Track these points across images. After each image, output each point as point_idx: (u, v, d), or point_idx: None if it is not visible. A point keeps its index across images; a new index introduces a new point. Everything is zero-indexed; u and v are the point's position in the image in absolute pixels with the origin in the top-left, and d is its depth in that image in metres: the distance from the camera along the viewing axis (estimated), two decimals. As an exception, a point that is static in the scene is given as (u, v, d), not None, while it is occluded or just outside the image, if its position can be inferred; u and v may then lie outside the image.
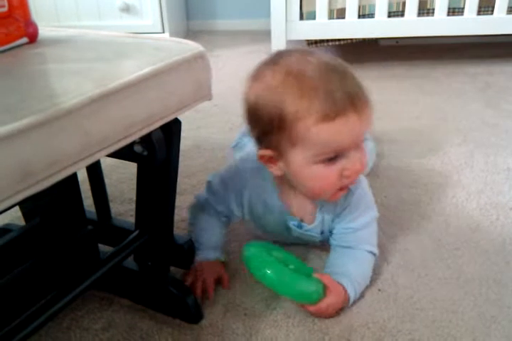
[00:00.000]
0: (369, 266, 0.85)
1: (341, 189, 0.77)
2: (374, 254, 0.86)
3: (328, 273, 0.81)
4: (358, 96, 0.69)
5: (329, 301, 0.76)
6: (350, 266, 0.83)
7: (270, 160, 0.77)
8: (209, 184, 0.91)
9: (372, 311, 0.80)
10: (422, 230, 1.00)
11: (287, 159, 0.74)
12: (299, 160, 0.73)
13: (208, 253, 0.87)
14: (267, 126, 0.72)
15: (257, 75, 0.75)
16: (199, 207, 0.92)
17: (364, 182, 0.87)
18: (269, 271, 0.75)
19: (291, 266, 0.78)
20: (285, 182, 0.81)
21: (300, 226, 0.87)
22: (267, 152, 0.75)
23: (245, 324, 0.78)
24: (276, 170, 0.78)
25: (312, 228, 0.87)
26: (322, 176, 0.74)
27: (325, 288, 0.77)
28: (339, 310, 0.79)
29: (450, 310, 0.80)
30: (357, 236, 0.86)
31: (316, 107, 0.67)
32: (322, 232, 0.88)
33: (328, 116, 0.67)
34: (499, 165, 1.24)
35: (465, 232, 0.99)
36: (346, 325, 0.77)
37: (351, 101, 0.68)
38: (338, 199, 0.81)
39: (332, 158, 0.72)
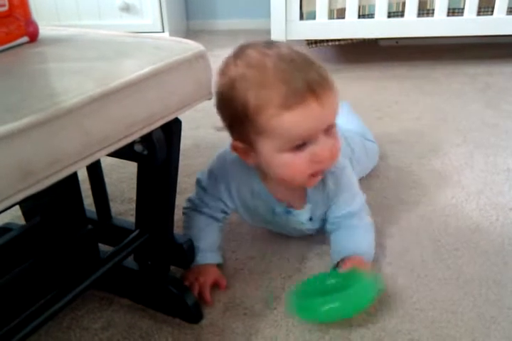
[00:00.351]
0: (372, 234, 0.90)
1: (314, 175, 0.78)
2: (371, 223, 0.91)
3: (346, 256, 0.83)
4: (319, 83, 0.70)
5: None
6: (360, 243, 0.87)
7: (242, 150, 0.79)
8: (198, 181, 0.91)
9: (371, 311, 0.80)
10: (422, 231, 1.00)
11: (256, 149, 0.76)
12: (267, 149, 0.75)
13: (205, 256, 0.86)
14: (234, 118, 0.75)
15: (222, 69, 0.77)
16: (193, 209, 0.91)
17: (348, 168, 0.88)
18: (326, 308, 0.74)
19: (331, 281, 0.80)
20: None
21: (287, 212, 0.88)
22: (238, 143, 0.78)
23: (245, 323, 0.78)
24: (249, 160, 0.80)
25: (300, 213, 0.88)
26: (291, 164, 0.75)
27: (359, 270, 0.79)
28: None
29: (450, 311, 0.80)
30: (355, 217, 0.88)
31: (275, 97, 0.69)
32: (311, 219, 0.89)
33: (288, 105, 0.69)
34: (499, 165, 1.24)
35: (465, 233, 0.99)
36: (346, 324, 0.77)
37: (310, 88, 0.69)
38: (313, 185, 0.82)
39: (300, 145, 0.73)
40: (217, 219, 0.91)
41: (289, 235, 0.96)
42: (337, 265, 0.83)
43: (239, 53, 0.76)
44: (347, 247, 0.85)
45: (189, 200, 0.93)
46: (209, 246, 0.87)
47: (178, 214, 0.98)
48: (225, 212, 0.92)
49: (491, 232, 0.99)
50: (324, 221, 0.91)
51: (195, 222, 0.90)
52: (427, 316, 0.79)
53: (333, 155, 0.77)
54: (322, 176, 0.81)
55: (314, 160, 0.75)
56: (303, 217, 0.88)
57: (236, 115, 0.74)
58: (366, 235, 0.89)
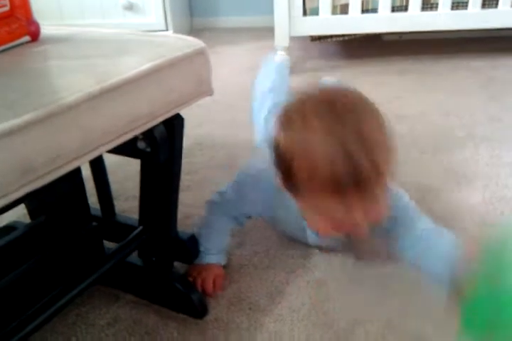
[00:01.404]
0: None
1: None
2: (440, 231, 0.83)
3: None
4: (368, 176, 0.64)
5: None
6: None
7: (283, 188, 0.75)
8: (222, 193, 0.90)
9: (377, 305, 0.80)
10: (427, 224, 0.99)
11: (293, 196, 0.74)
12: (299, 204, 0.74)
13: (210, 257, 0.87)
14: (280, 167, 0.71)
15: (284, 120, 0.70)
16: (216, 206, 0.90)
17: (402, 201, 0.84)
18: None
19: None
20: None
21: (317, 234, 0.87)
22: (280, 182, 0.74)
23: (250, 318, 0.79)
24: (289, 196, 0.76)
25: (334, 239, 0.87)
26: (317, 224, 0.75)
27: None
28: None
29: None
30: (426, 236, 0.81)
31: (317, 179, 0.65)
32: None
33: (326, 191, 0.65)
34: (504, 158, 1.23)
35: (470, 227, 0.98)
36: (351, 319, 0.77)
37: (357, 183, 0.64)
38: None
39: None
40: (239, 221, 0.91)
41: None
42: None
43: (303, 112, 0.68)
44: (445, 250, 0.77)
45: (220, 193, 0.90)
46: (217, 247, 0.88)
47: (181, 211, 0.99)
48: (249, 217, 0.92)
49: (497, 226, 0.98)
50: None
51: (211, 221, 0.90)
52: (431, 310, 0.78)
53: (371, 221, 0.71)
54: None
55: (344, 229, 0.74)
56: (335, 241, 0.89)
57: (282, 165, 0.70)
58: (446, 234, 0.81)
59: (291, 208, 0.83)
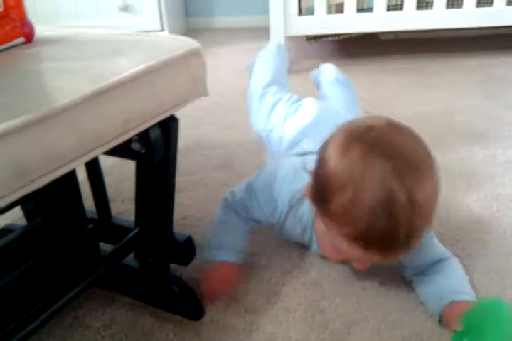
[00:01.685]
0: (458, 268, 0.82)
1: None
2: (450, 256, 0.83)
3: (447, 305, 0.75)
4: (398, 241, 0.63)
5: None
6: (456, 283, 0.79)
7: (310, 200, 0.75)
8: (251, 184, 0.87)
9: (373, 305, 0.80)
10: (423, 223, 0.99)
11: (317, 217, 0.73)
12: (320, 227, 0.71)
13: (222, 254, 0.84)
14: (318, 191, 0.69)
15: (347, 147, 0.67)
16: (229, 205, 0.89)
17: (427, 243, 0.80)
18: None
19: None
20: None
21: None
22: (308, 195, 0.73)
23: (246, 320, 0.79)
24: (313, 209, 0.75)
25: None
26: (328, 249, 0.74)
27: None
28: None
29: (451, 303, 0.80)
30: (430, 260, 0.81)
31: (351, 228, 0.64)
32: None
33: (354, 240, 0.64)
34: (499, 157, 1.23)
35: (466, 225, 0.99)
36: (346, 318, 0.78)
37: (384, 243, 0.63)
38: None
39: None
40: (250, 222, 0.89)
41: None
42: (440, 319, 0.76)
43: (373, 149, 0.65)
44: (442, 293, 0.77)
45: (232, 194, 0.89)
46: (237, 246, 0.86)
47: (178, 213, 0.99)
48: (259, 222, 0.89)
49: (492, 223, 0.99)
50: None
51: (225, 219, 0.88)
52: (427, 308, 0.79)
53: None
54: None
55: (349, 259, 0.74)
56: None
57: (321, 192, 0.68)
58: (455, 271, 0.81)
59: (303, 219, 0.82)
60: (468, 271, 0.86)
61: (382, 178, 0.62)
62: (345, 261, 0.78)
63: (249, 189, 0.86)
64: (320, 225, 0.71)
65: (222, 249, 0.85)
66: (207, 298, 0.81)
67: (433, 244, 0.83)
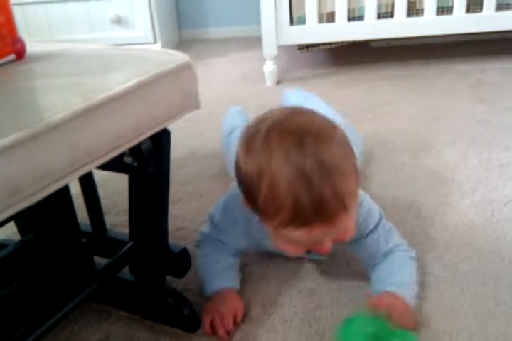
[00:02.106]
0: (405, 263, 0.83)
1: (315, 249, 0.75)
2: (405, 251, 0.85)
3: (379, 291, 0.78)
4: (331, 205, 0.64)
5: (397, 314, 0.72)
6: (388, 274, 0.81)
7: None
8: (211, 216, 0.89)
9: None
10: (417, 229, 1.00)
11: (260, 221, 0.73)
12: (267, 223, 0.71)
13: (225, 280, 0.83)
14: (245, 191, 0.72)
15: (248, 139, 0.70)
16: (206, 244, 0.89)
17: (365, 200, 0.84)
18: None
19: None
20: None
21: (307, 252, 0.85)
22: (247, 205, 0.74)
23: (243, 330, 0.79)
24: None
25: (319, 256, 0.88)
26: (285, 247, 0.75)
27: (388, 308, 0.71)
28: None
29: (446, 308, 0.80)
30: (379, 245, 0.83)
31: (282, 213, 0.65)
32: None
33: (292, 223, 0.66)
34: (493, 161, 1.24)
35: (460, 230, 0.99)
36: (343, 327, 0.78)
37: (319, 214, 0.64)
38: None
39: None
40: (231, 252, 0.88)
41: None
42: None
43: (267, 134, 0.67)
44: (386, 279, 0.80)
45: (202, 234, 0.90)
46: (227, 269, 0.85)
47: (172, 224, 0.99)
48: (237, 249, 0.88)
49: (486, 228, 0.99)
50: None
51: (212, 250, 0.87)
52: (423, 314, 0.79)
53: (341, 239, 0.74)
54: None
55: (310, 248, 0.75)
56: (321, 257, 0.90)
57: (247, 191, 0.71)
58: (407, 268, 0.83)
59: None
60: (462, 276, 0.87)
61: (286, 156, 0.64)
62: (308, 250, 0.77)
63: (212, 222, 0.88)
64: (267, 229, 0.73)
65: (219, 276, 0.84)
66: (221, 334, 0.77)
67: (390, 236, 0.85)
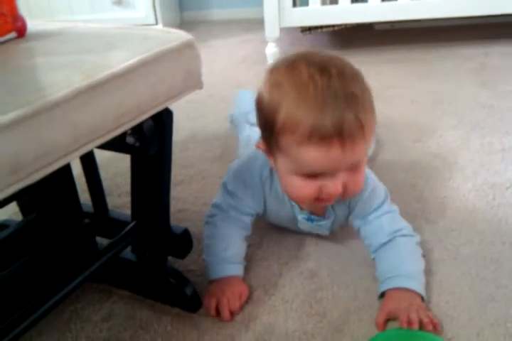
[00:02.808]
0: (413, 250, 0.82)
1: (321, 201, 0.76)
2: (411, 236, 0.84)
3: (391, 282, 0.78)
4: (350, 128, 0.67)
5: (408, 311, 0.73)
6: (398, 264, 0.80)
7: (265, 151, 0.79)
8: (224, 184, 0.89)
9: (369, 294, 0.80)
10: (419, 213, 1.00)
11: (275, 160, 0.76)
12: (282, 166, 0.75)
13: (229, 268, 0.83)
14: (264, 122, 0.74)
15: (271, 69, 0.74)
16: (219, 215, 0.88)
17: (370, 178, 0.85)
18: None
19: None
20: None
21: (310, 220, 0.87)
22: (263, 145, 0.77)
23: (244, 310, 0.79)
24: (271, 162, 0.79)
25: (322, 222, 0.88)
26: (299, 188, 0.75)
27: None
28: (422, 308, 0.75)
29: (447, 291, 0.80)
30: (382, 224, 0.84)
31: (303, 127, 0.67)
32: (332, 225, 0.89)
33: (310, 139, 0.67)
34: (495, 145, 1.24)
35: (462, 213, 0.99)
36: (343, 308, 0.78)
37: (339, 131, 0.66)
38: (321, 207, 0.82)
39: (313, 175, 0.72)
40: (244, 223, 0.88)
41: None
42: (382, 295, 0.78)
43: (292, 62, 0.72)
44: (397, 268, 0.79)
45: (214, 206, 0.90)
46: (235, 256, 0.84)
47: (174, 206, 0.99)
48: (252, 215, 0.89)
49: (487, 212, 0.99)
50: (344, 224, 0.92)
51: (221, 230, 0.86)
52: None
53: (348, 192, 0.75)
54: (332, 202, 0.79)
55: (323, 192, 0.74)
56: (324, 225, 0.89)
57: (266, 122, 0.73)
58: (415, 256, 0.82)
59: (281, 197, 0.85)
60: (463, 259, 0.87)
61: (311, 77, 0.68)
62: (319, 200, 0.76)
63: (225, 190, 0.88)
64: (281, 165, 0.75)
65: (227, 262, 0.83)
66: (226, 317, 0.77)
67: (394, 217, 0.86)
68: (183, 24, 2.69)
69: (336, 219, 0.87)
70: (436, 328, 0.72)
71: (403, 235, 0.83)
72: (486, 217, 0.98)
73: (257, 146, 0.79)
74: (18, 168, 0.47)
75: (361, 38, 2.20)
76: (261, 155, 0.83)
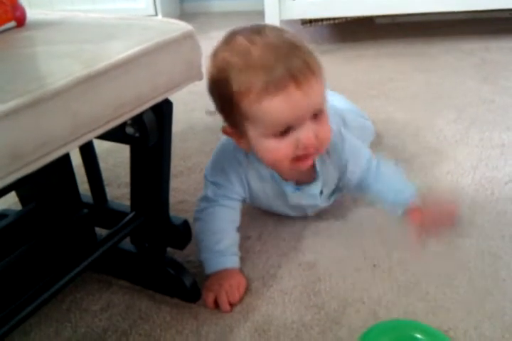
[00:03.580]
0: (398, 174, 0.91)
1: (300, 160, 0.78)
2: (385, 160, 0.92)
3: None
4: (301, 70, 0.70)
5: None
6: (400, 193, 0.87)
7: (233, 135, 0.80)
8: (206, 176, 0.90)
9: (367, 286, 0.81)
10: (418, 206, 1.00)
11: (244, 133, 0.78)
12: (253, 134, 0.76)
13: (226, 261, 0.82)
14: (223, 103, 0.77)
15: (212, 54, 0.78)
16: (207, 212, 0.88)
17: (347, 137, 0.88)
18: None
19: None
20: None
21: (298, 189, 0.88)
22: (229, 128, 0.80)
23: (242, 302, 0.79)
24: (242, 144, 0.81)
25: (310, 188, 0.88)
26: (275, 149, 0.76)
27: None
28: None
29: (445, 284, 0.81)
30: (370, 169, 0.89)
31: (256, 84, 0.70)
32: (321, 192, 0.89)
33: (268, 92, 0.70)
34: (494, 140, 1.24)
35: (460, 208, 0.99)
36: (341, 300, 0.78)
37: (291, 75, 0.69)
38: (305, 168, 0.82)
39: (284, 131, 0.74)
40: (234, 210, 0.88)
41: (293, 215, 0.96)
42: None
43: (228, 39, 0.76)
44: (398, 196, 0.87)
45: (202, 199, 0.90)
46: (229, 248, 0.84)
47: (174, 197, 0.99)
48: (239, 200, 0.90)
49: (486, 206, 0.99)
50: (337, 194, 0.94)
51: (211, 225, 0.86)
52: (421, 289, 0.80)
53: (321, 142, 0.77)
54: (312, 160, 0.81)
55: (299, 147, 0.75)
56: (314, 191, 0.89)
57: (224, 99, 0.75)
58: (401, 178, 0.91)
59: (263, 175, 0.87)
60: (462, 253, 0.87)
61: (250, 39, 0.73)
62: (299, 160, 0.78)
63: (208, 182, 0.90)
64: (252, 135, 0.76)
65: (222, 255, 0.83)
66: (226, 309, 0.77)
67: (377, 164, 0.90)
68: (183, 15, 2.68)
69: (325, 182, 0.88)
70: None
71: (380, 163, 0.90)
72: (485, 211, 0.98)
73: (223, 131, 0.81)
74: (17, 156, 0.47)
75: (362, 32, 2.19)
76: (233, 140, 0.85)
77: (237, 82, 0.71)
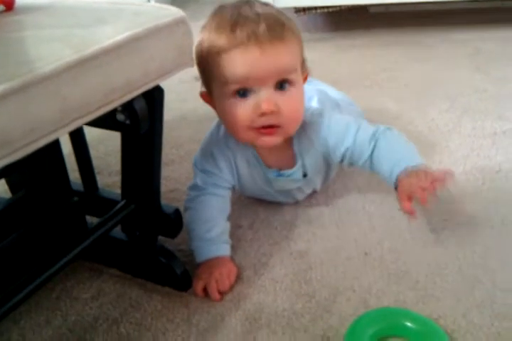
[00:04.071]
0: (398, 138, 0.87)
1: (261, 131, 0.78)
2: (388, 129, 0.87)
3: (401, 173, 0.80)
4: (266, 32, 0.73)
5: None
6: (400, 161, 0.82)
7: (206, 98, 0.83)
8: (195, 164, 0.90)
9: (358, 274, 0.81)
10: (409, 196, 1.00)
11: (212, 95, 0.80)
12: (216, 93, 0.79)
13: (217, 249, 0.82)
14: (198, 66, 0.80)
15: (202, 28, 0.81)
16: (197, 201, 0.88)
17: (326, 113, 0.87)
18: None
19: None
20: None
21: (279, 175, 0.88)
22: (204, 93, 0.83)
23: (233, 290, 0.79)
24: (216, 111, 0.83)
25: (291, 173, 0.88)
26: (233, 110, 0.77)
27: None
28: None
29: (435, 273, 0.81)
30: (360, 141, 0.84)
31: (221, 41, 0.74)
32: (305, 175, 0.89)
33: (229, 47, 0.73)
34: (486, 129, 1.24)
35: (451, 197, 0.99)
36: (332, 288, 0.79)
37: (255, 35, 0.72)
38: (267, 145, 0.81)
39: (243, 93, 0.75)
40: (223, 199, 0.88)
41: (284, 202, 0.97)
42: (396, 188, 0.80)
43: (216, 12, 0.81)
44: (391, 163, 0.82)
45: (191, 188, 0.90)
46: (220, 236, 0.84)
47: (165, 185, 0.99)
48: (229, 188, 0.90)
49: (477, 196, 0.99)
50: (324, 176, 0.94)
51: (201, 213, 0.86)
52: (411, 278, 0.80)
53: (286, 116, 0.76)
54: (275, 134, 0.79)
55: (256, 112, 0.75)
56: (295, 176, 0.89)
57: (199, 61, 0.79)
58: (399, 143, 0.86)
59: (250, 158, 0.87)
60: (452, 242, 0.87)
61: (233, 8, 0.78)
62: (261, 130, 0.78)
63: (197, 170, 0.90)
64: (217, 95, 0.78)
65: (213, 243, 0.83)
66: (215, 298, 0.77)
67: (365, 128, 0.86)
68: (174, 2, 2.65)
69: (308, 165, 0.87)
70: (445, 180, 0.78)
71: (381, 133, 0.85)
72: (476, 200, 0.98)
73: (200, 96, 0.84)
74: (6, 141, 0.47)
75: (355, 21, 2.18)
76: (223, 125, 0.86)
77: (207, 41, 0.76)
